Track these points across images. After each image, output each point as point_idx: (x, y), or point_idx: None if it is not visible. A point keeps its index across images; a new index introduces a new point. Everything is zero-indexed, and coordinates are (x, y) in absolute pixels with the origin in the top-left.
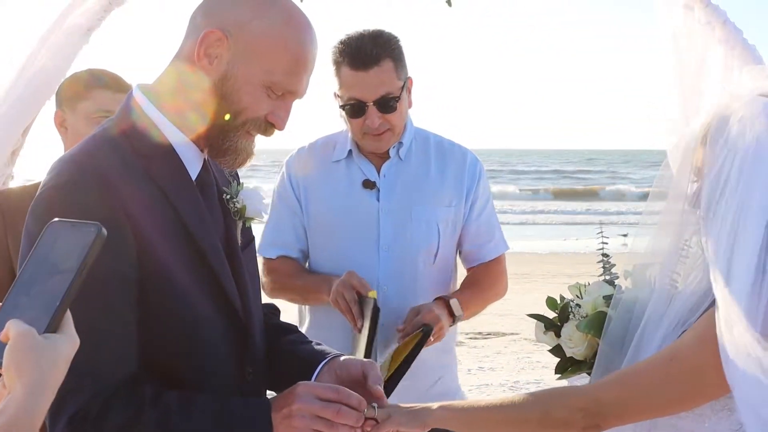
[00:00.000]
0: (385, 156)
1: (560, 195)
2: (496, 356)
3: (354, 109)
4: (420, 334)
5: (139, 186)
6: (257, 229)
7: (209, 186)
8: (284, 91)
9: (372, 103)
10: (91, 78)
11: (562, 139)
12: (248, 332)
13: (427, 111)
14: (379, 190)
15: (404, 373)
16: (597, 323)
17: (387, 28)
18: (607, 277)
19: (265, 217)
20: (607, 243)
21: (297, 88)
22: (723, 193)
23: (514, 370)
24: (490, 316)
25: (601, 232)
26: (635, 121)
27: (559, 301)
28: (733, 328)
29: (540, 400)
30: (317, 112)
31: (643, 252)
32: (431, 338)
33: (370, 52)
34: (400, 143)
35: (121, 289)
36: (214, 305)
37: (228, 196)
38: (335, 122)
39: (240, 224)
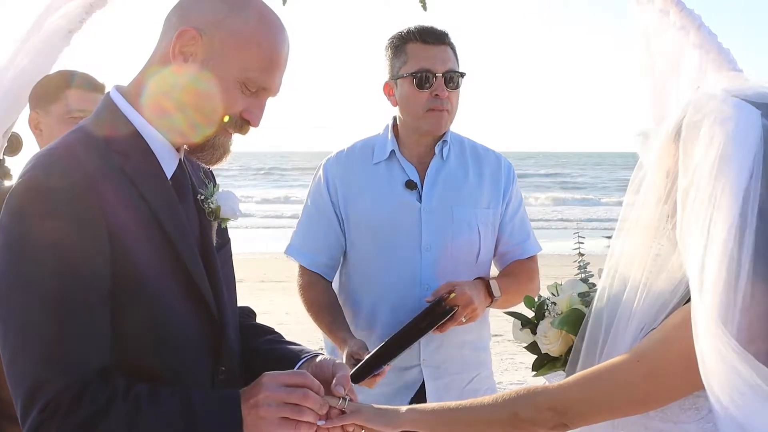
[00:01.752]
0: (427, 156)
1: (547, 198)
2: None
3: (423, 79)
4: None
5: (115, 183)
6: (244, 232)
7: (184, 186)
8: (258, 87)
9: (441, 75)
10: (63, 79)
11: (542, 143)
12: (222, 331)
13: None
14: (420, 191)
15: (406, 344)
16: (571, 320)
17: (372, 30)
18: (583, 275)
19: (240, 216)
20: (583, 243)
21: (271, 85)
22: (696, 192)
23: (497, 371)
24: None
25: (578, 231)
26: (610, 124)
27: (536, 300)
28: (707, 330)
29: (508, 400)
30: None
31: (618, 251)
32: (463, 319)
33: (438, 32)
34: (444, 141)
35: (95, 283)
36: (188, 302)
37: (203, 197)
38: (315, 123)
39: (215, 225)
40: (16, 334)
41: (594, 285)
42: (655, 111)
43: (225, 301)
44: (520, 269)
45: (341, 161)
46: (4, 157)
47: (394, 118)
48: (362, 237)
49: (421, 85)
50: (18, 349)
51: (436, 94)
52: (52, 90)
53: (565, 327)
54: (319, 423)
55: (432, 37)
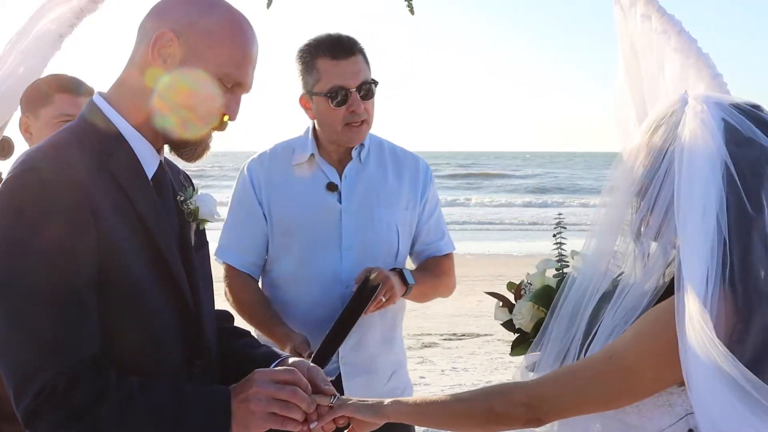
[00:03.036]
0: (346, 159)
1: (538, 198)
2: (470, 357)
3: (339, 96)
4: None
5: (101, 181)
6: (213, 234)
7: (165, 186)
8: (234, 83)
9: (355, 89)
10: (52, 83)
11: (515, 142)
12: (198, 324)
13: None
14: (340, 192)
15: (347, 329)
16: (543, 295)
17: (368, 31)
18: (557, 254)
19: (217, 219)
20: (563, 231)
21: (245, 80)
22: (678, 191)
23: (487, 370)
24: (465, 318)
25: (560, 222)
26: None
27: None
28: (691, 323)
29: (485, 395)
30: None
31: (592, 243)
32: (383, 298)
33: (346, 43)
34: (362, 145)
35: (84, 274)
36: (166, 296)
37: (182, 198)
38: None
39: (194, 226)
40: (8, 323)
41: (567, 264)
42: (638, 114)
43: (201, 297)
44: (435, 264)
45: (264, 162)
46: None
47: (314, 123)
48: (285, 236)
49: (337, 104)
50: (10, 338)
51: (353, 110)
52: (42, 94)
53: (535, 300)
54: (312, 426)
55: (341, 51)
